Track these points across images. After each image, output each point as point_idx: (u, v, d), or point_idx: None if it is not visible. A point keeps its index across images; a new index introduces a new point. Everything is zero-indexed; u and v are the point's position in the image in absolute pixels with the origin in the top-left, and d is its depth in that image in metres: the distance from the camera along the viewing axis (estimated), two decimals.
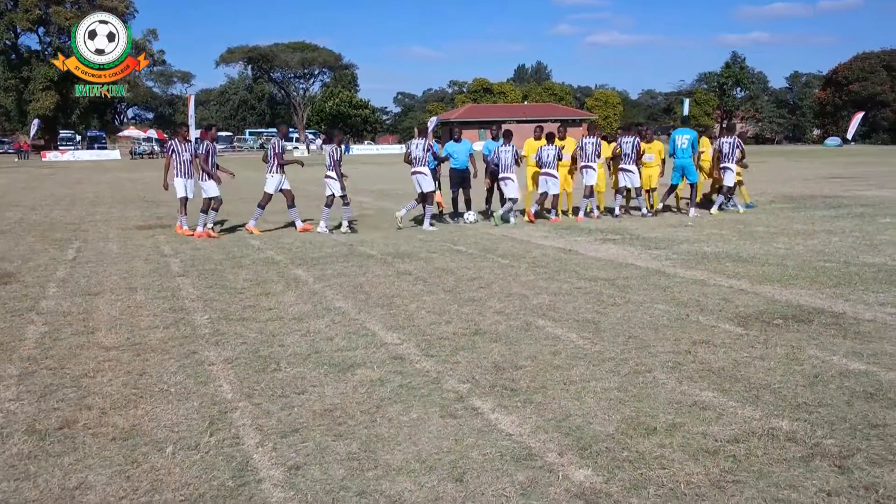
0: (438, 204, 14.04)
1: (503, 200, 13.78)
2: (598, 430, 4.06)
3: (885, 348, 5.45)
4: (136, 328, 6.45)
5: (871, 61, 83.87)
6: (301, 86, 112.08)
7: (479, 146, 17.39)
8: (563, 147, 14.18)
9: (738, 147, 14.73)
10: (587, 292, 7.54)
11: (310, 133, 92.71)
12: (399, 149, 76.98)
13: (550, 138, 13.96)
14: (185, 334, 6.22)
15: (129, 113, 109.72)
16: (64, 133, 75.10)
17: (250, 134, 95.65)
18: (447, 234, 12.38)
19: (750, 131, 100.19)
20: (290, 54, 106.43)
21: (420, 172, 12.99)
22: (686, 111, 63.29)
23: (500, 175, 13.67)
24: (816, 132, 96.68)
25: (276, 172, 12.86)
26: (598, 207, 14.61)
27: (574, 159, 14.51)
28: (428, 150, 13.18)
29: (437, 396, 4.64)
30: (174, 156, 12.75)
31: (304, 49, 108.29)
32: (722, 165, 14.77)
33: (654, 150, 14.71)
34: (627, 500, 3.32)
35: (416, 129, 14.71)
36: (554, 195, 13.79)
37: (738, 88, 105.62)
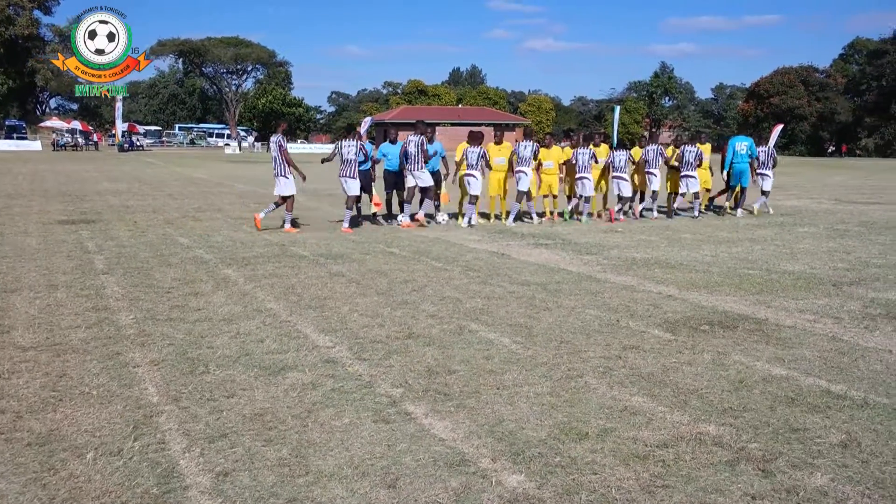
0: (376, 205, 13.97)
1: (422, 201, 13.91)
2: (530, 435, 4.08)
3: (805, 354, 5.63)
4: (55, 327, 6.20)
5: (790, 76, 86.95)
6: (234, 82, 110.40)
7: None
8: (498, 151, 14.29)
9: (699, 155, 15.53)
10: (520, 296, 7.59)
11: (242, 130, 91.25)
12: (331, 148, 76.40)
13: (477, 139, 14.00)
14: (108, 335, 6.02)
15: (52, 103, 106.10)
16: None
17: (180, 129, 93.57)
18: (381, 235, 12.31)
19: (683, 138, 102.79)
20: (222, 49, 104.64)
21: (350, 177, 12.99)
22: (617, 119, 64.40)
23: (517, 169, 14.06)
24: None
25: (289, 172, 12.66)
26: (538, 213, 14.83)
27: (510, 164, 14.65)
28: (361, 151, 13.12)
29: (369, 401, 4.59)
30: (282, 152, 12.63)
31: (237, 44, 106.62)
32: (684, 174, 15.56)
33: (552, 157, 14.74)
34: None
35: (345, 131, 14.54)
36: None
37: (667, 98, 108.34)
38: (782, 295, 7.75)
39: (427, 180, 13.35)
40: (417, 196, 13.72)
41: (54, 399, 4.56)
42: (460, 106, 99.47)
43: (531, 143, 14.33)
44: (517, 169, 14.13)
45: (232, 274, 8.70)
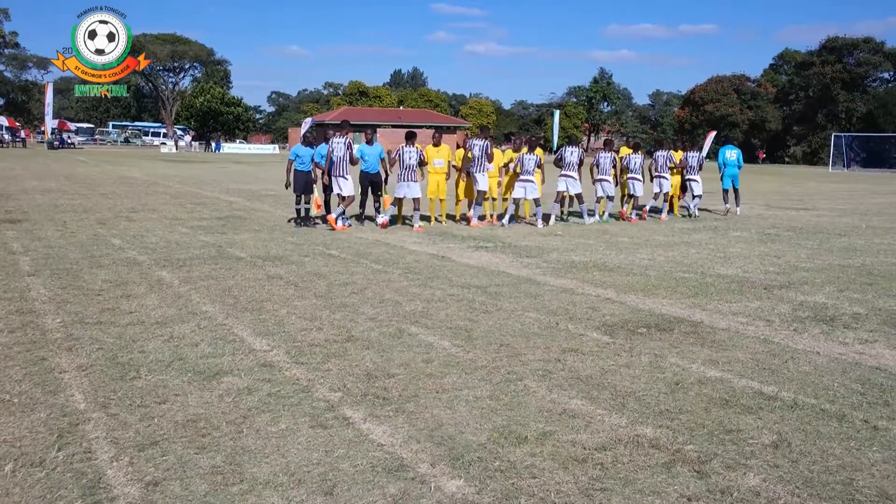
0: (316, 206, 13.81)
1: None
2: (470, 439, 4.06)
3: (738, 356, 5.74)
4: None
5: (723, 84, 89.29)
6: (170, 79, 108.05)
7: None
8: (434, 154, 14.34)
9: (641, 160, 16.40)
10: (459, 299, 7.57)
11: (179, 129, 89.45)
12: (271, 148, 75.51)
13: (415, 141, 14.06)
14: (33, 339, 5.79)
15: None
16: None
17: (114, 127, 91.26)
18: (319, 237, 12.18)
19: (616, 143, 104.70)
20: (158, 46, 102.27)
21: (341, 176, 13.19)
22: (557, 123, 65.22)
23: (521, 177, 14.26)
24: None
25: (347, 173, 13.22)
26: (493, 216, 14.99)
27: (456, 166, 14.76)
28: (348, 149, 13.22)
29: (307, 406, 4.51)
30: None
31: (174, 41, 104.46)
32: (656, 174, 16.83)
33: (494, 161, 14.89)
34: None
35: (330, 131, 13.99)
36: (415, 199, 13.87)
37: (605, 103, 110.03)
38: (716, 298, 7.90)
39: (349, 189, 13.29)
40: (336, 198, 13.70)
41: None
42: (401, 108, 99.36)
43: (485, 142, 14.39)
44: (476, 172, 14.19)
45: (166, 276, 8.49)
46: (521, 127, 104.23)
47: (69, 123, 75.22)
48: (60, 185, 22.72)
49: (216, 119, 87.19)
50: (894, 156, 63.39)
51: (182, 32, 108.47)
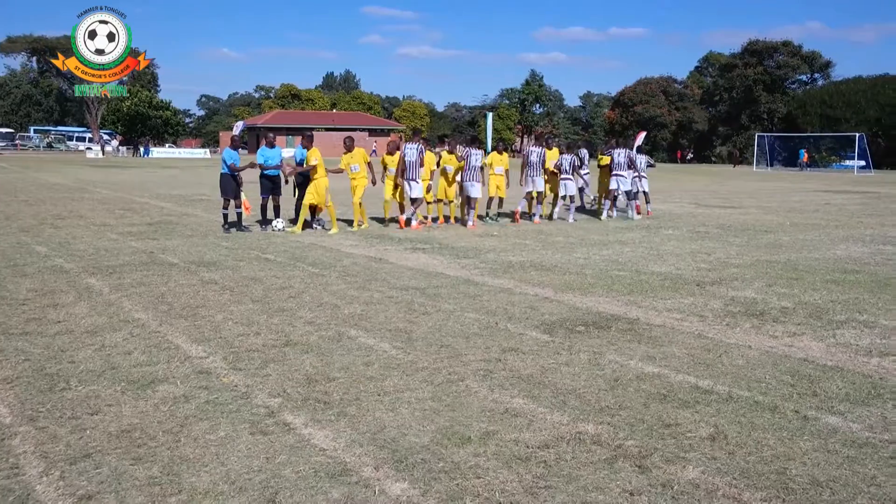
0: (245, 209, 13.58)
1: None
2: (413, 441, 4.03)
3: (674, 351, 5.85)
4: None
5: (651, 86, 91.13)
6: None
7: (288, 153, 17.01)
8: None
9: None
10: (398, 301, 7.54)
11: (105, 133, 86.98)
12: (202, 153, 74.05)
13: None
14: None
15: None
16: None
17: (36, 131, 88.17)
18: (254, 241, 11.99)
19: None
20: None
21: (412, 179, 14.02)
22: (490, 125, 65.68)
23: (562, 177, 15.14)
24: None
25: (418, 177, 13.93)
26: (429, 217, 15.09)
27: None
28: (420, 155, 13.96)
29: (246, 412, 4.42)
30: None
31: None
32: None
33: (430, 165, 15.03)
34: None
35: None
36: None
37: (537, 105, 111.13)
38: (651, 295, 8.05)
39: (418, 191, 14.14)
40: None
41: None
42: (334, 111, 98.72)
43: (418, 145, 14.31)
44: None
45: (96, 283, 8.23)
46: (454, 129, 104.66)
47: None
48: None
49: (144, 123, 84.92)
50: (813, 154, 65.70)
51: None
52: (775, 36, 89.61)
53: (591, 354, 5.73)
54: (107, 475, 3.58)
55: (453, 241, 12.39)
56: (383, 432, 4.15)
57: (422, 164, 14.18)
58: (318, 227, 13.67)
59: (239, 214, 13.41)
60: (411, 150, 14.06)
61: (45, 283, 8.17)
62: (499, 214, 16.27)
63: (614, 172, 16.65)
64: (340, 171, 13.98)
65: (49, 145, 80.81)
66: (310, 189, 13.21)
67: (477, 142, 16.17)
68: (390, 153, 14.50)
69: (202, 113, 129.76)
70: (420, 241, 12.43)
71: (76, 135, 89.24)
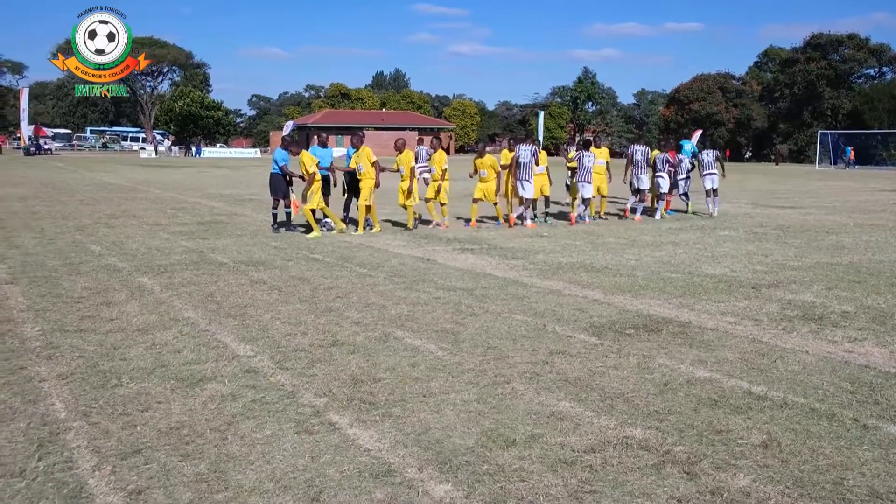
0: (294, 209, 13.68)
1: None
2: (457, 443, 4.00)
3: (727, 356, 5.72)
4: None
5: (708, 83, 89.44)
6: (148, 83, 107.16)
7: (339, 152, 17.13)
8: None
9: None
10: (445, 302, 7.52)
11: (158, 134, 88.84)
12: (253, 152, 75.13)
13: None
14: (11, 348, 5.69)
15: None
16: None
17: (92, 132, 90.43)
18: (303, 242, 12.09)
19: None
20: (136, 49, 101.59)
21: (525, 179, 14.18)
22: (541, 123, 65.37)
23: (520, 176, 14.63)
24: None
25: (531, 177, 14.28)
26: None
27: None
28: (534, 156, 14.33)
29: (292, 411, 4.44)
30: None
31: (151, 45, 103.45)
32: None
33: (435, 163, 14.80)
34: None
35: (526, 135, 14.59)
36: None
37: (590, 103, 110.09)
38: (704, 298, 7.89)
39: (529, 191, 14.48)
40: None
41: None
42: (384, 110, 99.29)
43: (531, 146, 14.66)
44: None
45: (147, 282, 8.38)
46: (505, 128, 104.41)
47: (45, 129, 74.37)
48: (37, 191, 22.48)
49: (196, 123, 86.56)
50: (881, 153, 63.67)
51: (158, 35, 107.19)
52: (839, 29, 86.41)
53: (640, 358, 5.63)
54: (156, 471, 3.63)
55: (502, 242, 12.32)
56: (428, 433, 4.13)
57: (537, 164, 14.62)
58: (325, 230, 13.44)
59: (288, 214, 13.54)
60: (525, 152, 14.36)
61: (98, 282, 8.35)
62: (546, 214, 16.13)
63: (656, 174, 16.76)
64: (395, 170, 14.04)
65: (104, 145, 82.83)
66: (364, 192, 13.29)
67: (532, 139, 16.06)
68: (399, 150, 14.33)
69: (253, 113, 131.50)
70: (469, 241, 12.39)
71: (130, 135, 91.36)
